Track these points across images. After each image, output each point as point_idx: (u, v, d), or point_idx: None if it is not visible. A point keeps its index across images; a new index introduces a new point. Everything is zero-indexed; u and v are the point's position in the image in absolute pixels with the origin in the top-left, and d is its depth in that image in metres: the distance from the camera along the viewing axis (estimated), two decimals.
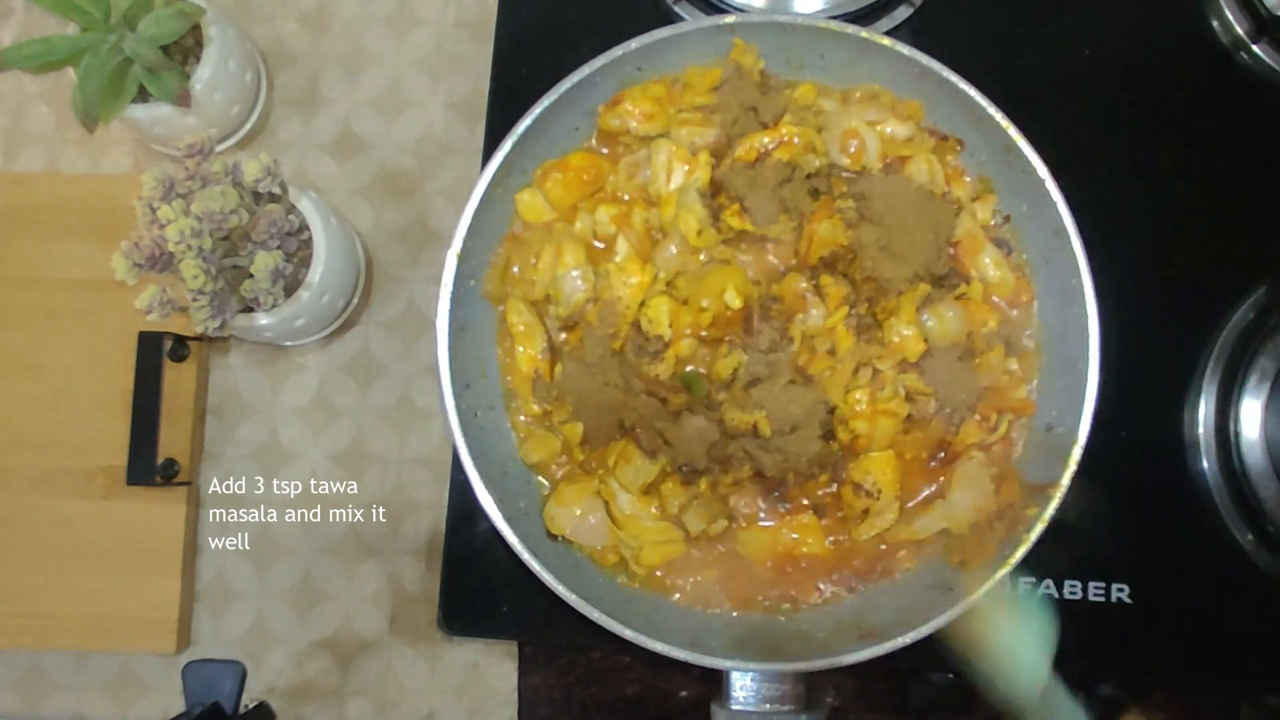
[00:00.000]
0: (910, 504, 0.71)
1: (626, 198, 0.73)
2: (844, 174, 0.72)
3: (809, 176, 0.70)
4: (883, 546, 0.71)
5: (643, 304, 0.70)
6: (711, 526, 0.70)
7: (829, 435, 0.69)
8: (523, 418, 0.73)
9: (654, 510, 0.70)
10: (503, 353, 0.73)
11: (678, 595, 0.71)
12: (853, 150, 0.71)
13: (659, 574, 0.71)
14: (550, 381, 0.72)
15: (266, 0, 0.89)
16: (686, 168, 0.70)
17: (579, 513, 0.70)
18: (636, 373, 0.69)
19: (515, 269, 0.73)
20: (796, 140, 0.70)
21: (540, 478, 0.73)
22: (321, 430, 0.83)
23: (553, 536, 0.71)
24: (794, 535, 0.70)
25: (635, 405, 0.69)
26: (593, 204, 0.73)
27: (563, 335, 0.73)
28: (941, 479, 0.71)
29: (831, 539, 0.71)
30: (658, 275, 0.70)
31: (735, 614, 0.71)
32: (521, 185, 0.73)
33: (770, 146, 0.70)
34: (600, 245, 0.73)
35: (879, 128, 0.72)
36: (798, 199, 0.70)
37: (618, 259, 0.71)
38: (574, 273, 0.70)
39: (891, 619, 0.68)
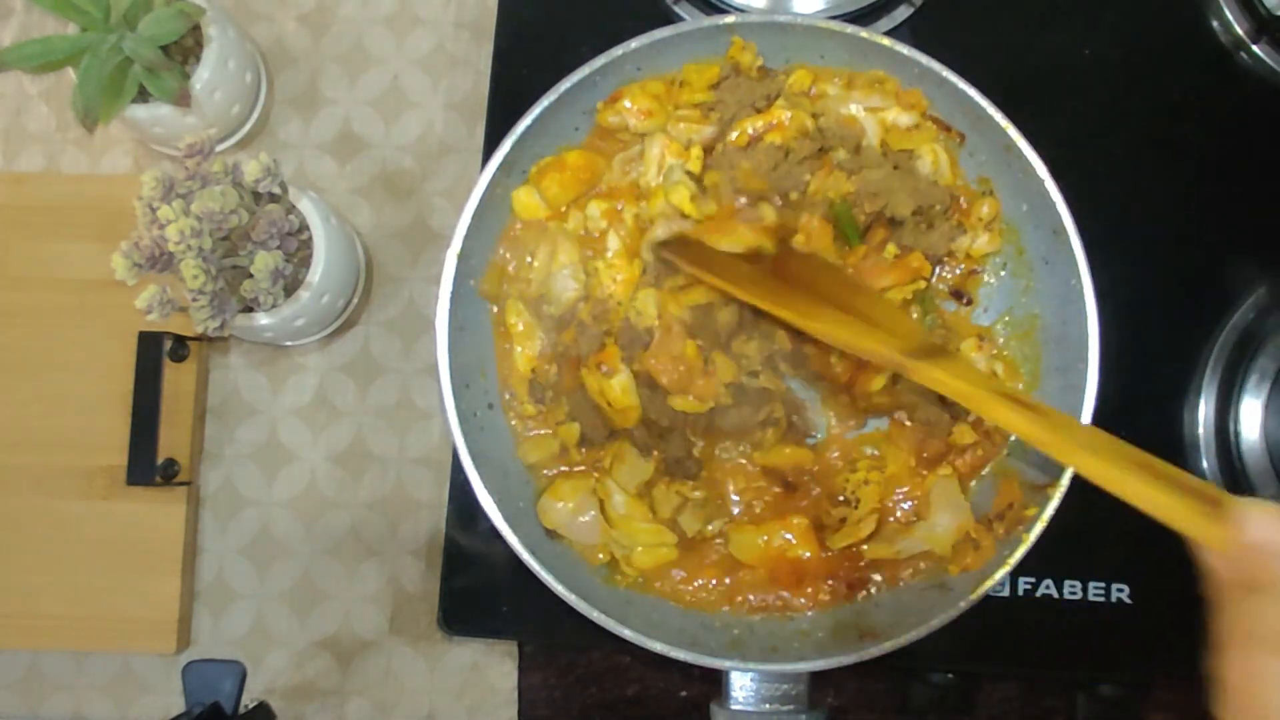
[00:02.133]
0: (890, 519, 0.71)
1: (620, 203, 0.73)
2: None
3: (803, 161, 0.70)
4: (866, 563, 0.71)
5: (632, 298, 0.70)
6: (707, 528, 0.70)
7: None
8: (519, 418, 0.73)
9: (648, 513, 0.70)
10: (500, 352, 0.73)
11: (672, 598, 0.71)
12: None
13: (652, 579, 0.71)
14: (546, 382, 0.72)
15: (266, 0, 0.89)
16: (675, 158, 0.70)
17: (572, 508, 0.70)
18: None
19: (512, 268, 0.73)
20: (788, 119, 0.70)
21: (538, 478, 0.73)
22: (321, 430, 0.83)
23: (547, 532, 0.71)
24: (788, 536, 0.70)
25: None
26: (587, 201, 0.73)
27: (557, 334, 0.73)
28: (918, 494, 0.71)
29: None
30: (646, 268, 0.70)
31: (734, 614, 0.71)
32: (520, 185, 0.73)
33: (762, 130, 0.70)
34: (593, 241, 0.72)
35: (881, 114, 0.72)
36: (793, 172, 0.69)
37: (609, 255, 0.71)
38: (564, 271, 0.70)
39: (891, 619, 0.68)
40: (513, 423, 0.73)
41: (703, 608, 0.71)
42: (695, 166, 0.70)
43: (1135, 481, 0.47)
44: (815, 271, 0.67)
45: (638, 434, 0.70)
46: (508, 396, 0.73)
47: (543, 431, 0.72)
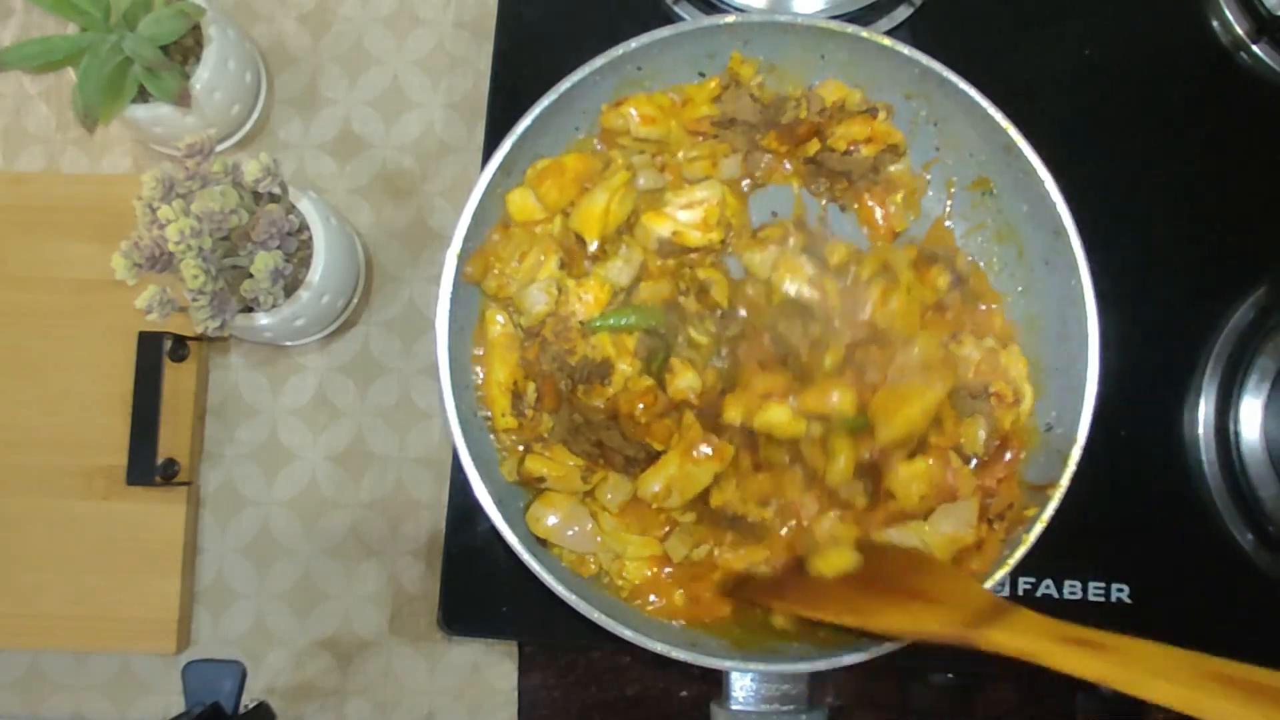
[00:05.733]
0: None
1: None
2: None
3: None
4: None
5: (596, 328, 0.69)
6: (694, 552, 0.70)
7: None
8: (499, 431, 0.71)
9: (638, 525, 0.70)
10: (480, 360, 0.72)
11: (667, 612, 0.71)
12: None
13: (644, 591, 0.71)
14: (527, 395, 0.71)
15: (266, 0, 0.89)
16: (701, 216, 0.70)
17: (563, 517, 0.69)
18: (586, 404, 0.69)
19: (500, 255, 0.72)
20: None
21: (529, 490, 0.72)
22: (321, 430, 0.83)
23: (539, 541, 0.70)
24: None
25: (597, 433, 0.69)
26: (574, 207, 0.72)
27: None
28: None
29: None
30: (616, 294, 0.70)
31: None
32: (516, 186, 0.72)
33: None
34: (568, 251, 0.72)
35: None
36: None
37: (588, 265, 0.71)
38: (540, 283, 0.70)
39: None
40: (492, 436, 0.72)
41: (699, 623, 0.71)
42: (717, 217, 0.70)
43: (1215, 700, 0.47)
44: (882, 562, 0.67)
45: (616, 460, 0.69)
46: (484, 408, 0.71)
47: (544, 454, 0.71)
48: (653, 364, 0.69)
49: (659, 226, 0.70)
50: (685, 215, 0.70)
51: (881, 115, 0.72)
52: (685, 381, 0.68)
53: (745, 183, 0.75)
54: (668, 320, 0.70)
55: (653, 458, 0.69)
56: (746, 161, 0.74)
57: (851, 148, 0.72)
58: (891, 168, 0.74)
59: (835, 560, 0.66)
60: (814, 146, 0.72)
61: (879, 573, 0.66)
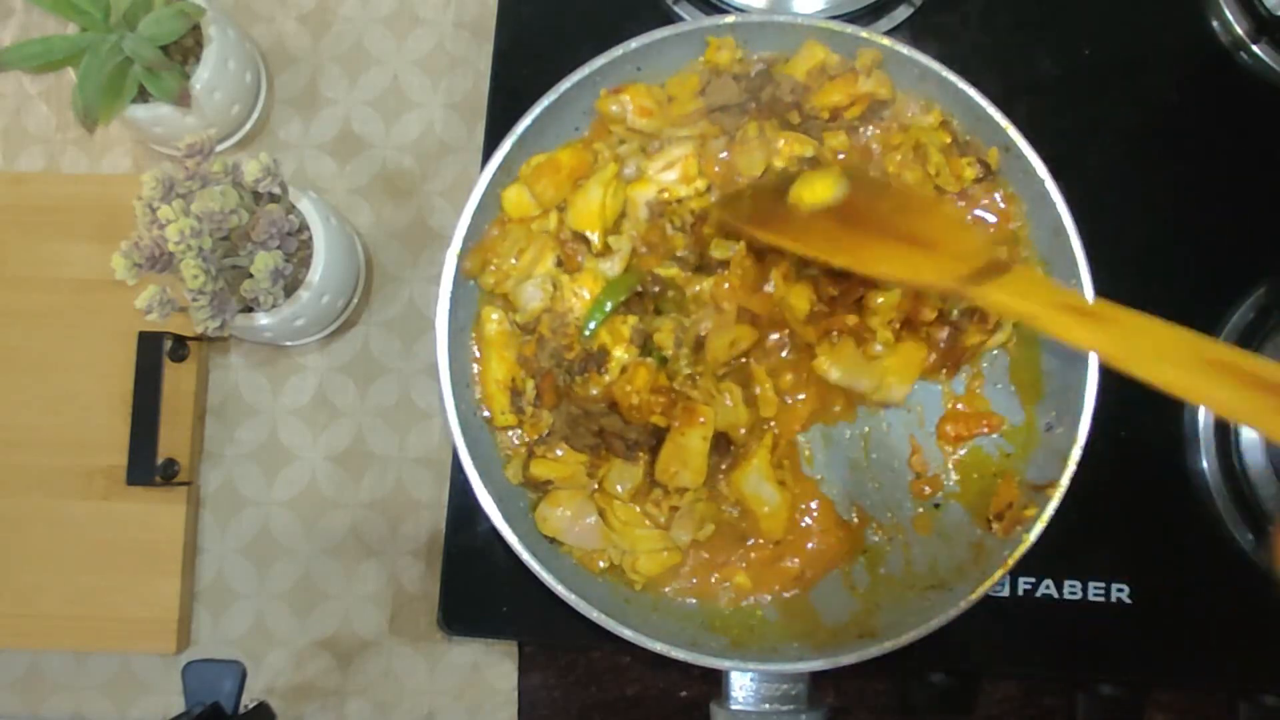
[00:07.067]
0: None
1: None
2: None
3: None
4: None
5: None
6: (700, 533, 0.70)
7: None
8: (498, 430, 0.71)
9: (646, 521, 0.70)
10: (479, 359, 0.72)
11: (679, 596, 0.71)
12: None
13: (660, 583, 0.71)
14: (526, 392, 0.71)
15: (266, 0, 0.89)
16: (680, 173, 0.70)
17: (571, 514, 0.70)
18: (584, 396, 0.69)
19: (498, 251, 0.72)
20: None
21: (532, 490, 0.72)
22: (321, 430, 0.83)
23: (548, 540, 0.70)
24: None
25: (597, 422, 0.69)
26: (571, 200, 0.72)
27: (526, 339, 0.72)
28: None
29: None
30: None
31: (737, 607, 0.71)
32: (511, 183, 0.72)
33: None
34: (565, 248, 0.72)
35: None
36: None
37: (581, 259, 0.71)
38: (536, 280, 0.70)
39: (891, 619, 0.68)
40: (494, 438, 0.72)
41: (714, 598, 0.71)
42: (678, 192, 0.70)
43: (1218, 389, 0.44)
44: (874, 198, 0.62)
45: (618, 446, 0.69)
46: (482, 404, 0.72)
47: (550, 454, 0.71)
48: (649, 346, 0.69)
49: (643, 192, 0.70)
50: (666, 176, 0.70)
51: (862, 77, 0.71)
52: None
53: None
54: (640, 273, 0.70)
55: (654, 434, 0.69)
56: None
57: (835, 113, 0.71)
58: (885, 113, 0.73)
59: (819, 187, 0.62)
60: (795, 118, 0.72)
61: (870, 209, 0.62)
